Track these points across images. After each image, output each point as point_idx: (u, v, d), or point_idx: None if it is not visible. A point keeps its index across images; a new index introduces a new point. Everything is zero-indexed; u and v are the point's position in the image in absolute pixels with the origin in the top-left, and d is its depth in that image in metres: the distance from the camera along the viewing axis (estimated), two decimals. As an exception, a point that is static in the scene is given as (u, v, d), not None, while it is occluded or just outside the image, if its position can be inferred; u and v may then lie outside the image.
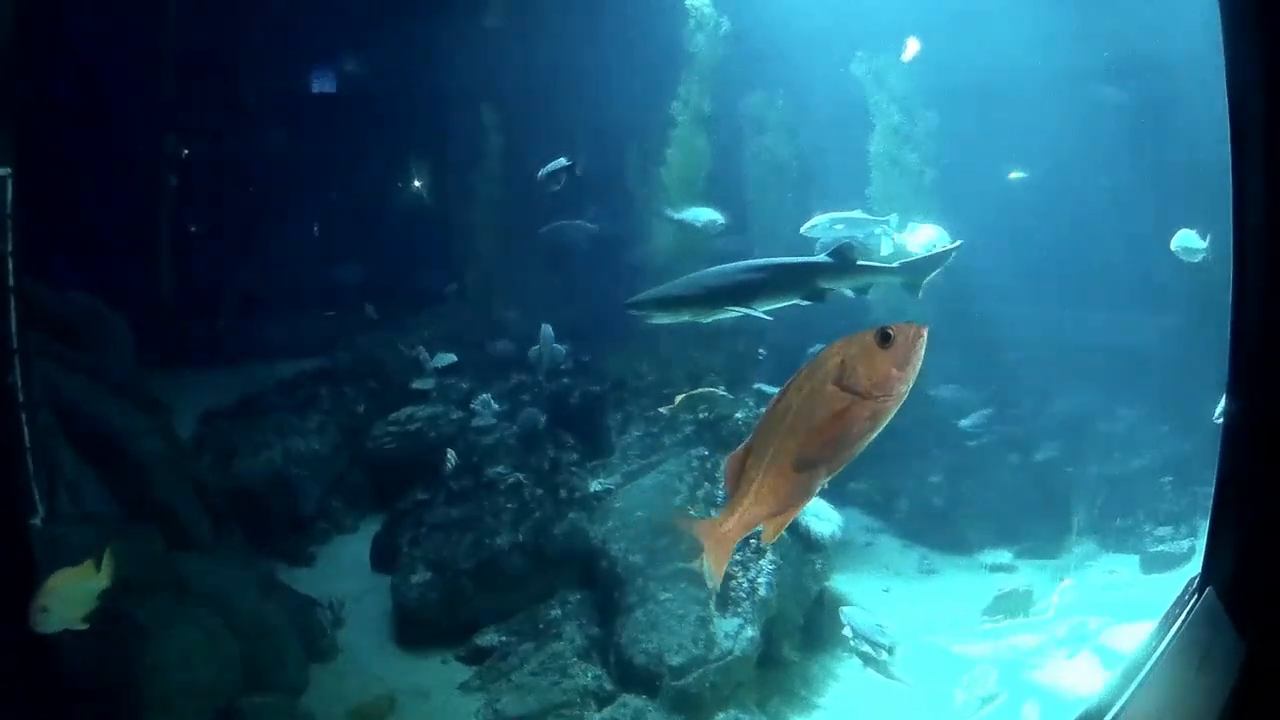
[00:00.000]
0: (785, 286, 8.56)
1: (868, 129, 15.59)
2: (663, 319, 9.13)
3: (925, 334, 3.21)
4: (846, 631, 10.69)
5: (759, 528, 3.61)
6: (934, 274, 9.01)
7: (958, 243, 11.06)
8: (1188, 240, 12.64)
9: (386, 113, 21.54)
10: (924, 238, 12.71)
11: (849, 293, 8.84)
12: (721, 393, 12.21)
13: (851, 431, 3.28)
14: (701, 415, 12.34)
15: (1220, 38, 3.48)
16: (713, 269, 8.83)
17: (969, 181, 16.24)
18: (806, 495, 3.49)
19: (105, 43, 17.59)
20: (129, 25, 18.24)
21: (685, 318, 8.92)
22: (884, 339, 3.20)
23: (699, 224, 13.08)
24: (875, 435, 3.35)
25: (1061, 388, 16.47)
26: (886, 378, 3.19)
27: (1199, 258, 12.57)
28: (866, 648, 10.52)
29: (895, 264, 9.00)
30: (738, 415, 12.24)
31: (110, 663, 7.64)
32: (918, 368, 3.22)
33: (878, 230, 13.25)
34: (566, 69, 19.53)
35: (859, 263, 8.56)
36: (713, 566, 3.63)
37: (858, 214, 12.92)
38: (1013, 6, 17.36)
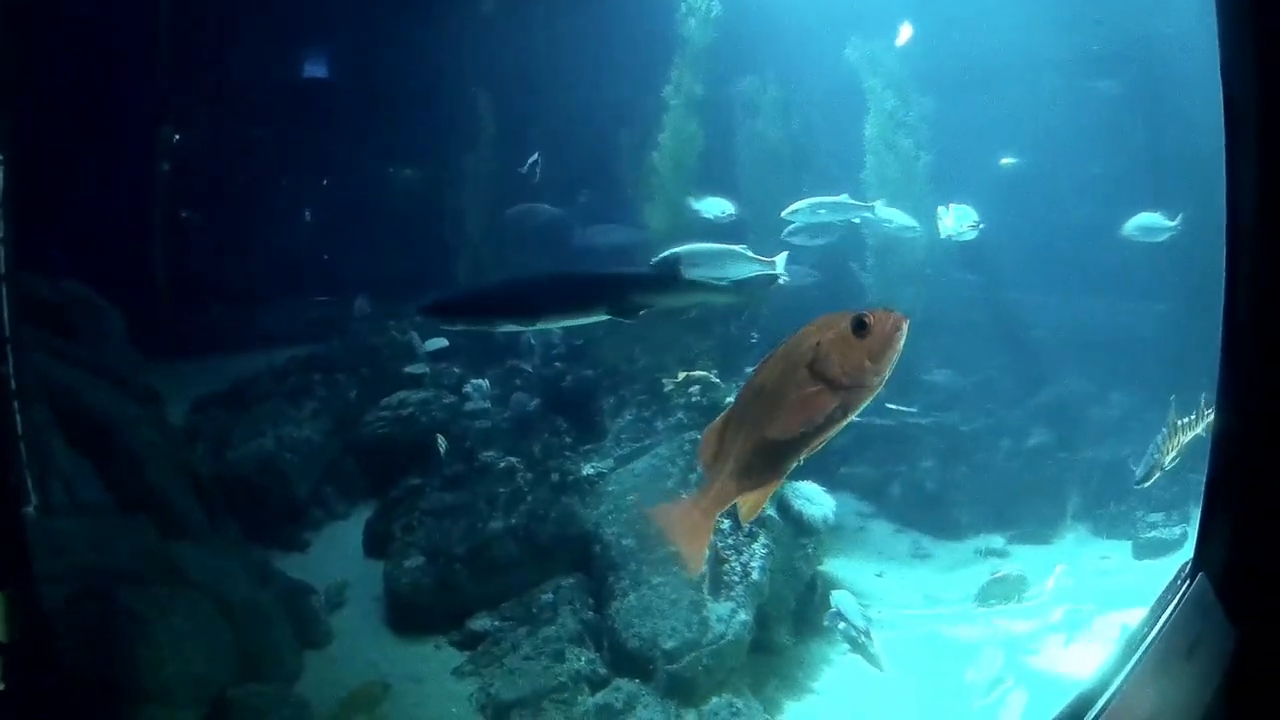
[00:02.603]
0: (591, 300, 8.20)
1: (862, 113, 15.59)
2: (455, 326, 8.97)
3: (905, 326, 3.20)
4: (829, 620, 10.70)
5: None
6: (763, 293, 8.66)
7: (779, 257, 11.11)
8: (1145, 221, 12.79)
9: (380, 99, 21.51)
10: (953, 218, 12.81)
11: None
12: (714, 379, 12.24)
13: (822, 417, 3.27)
14: (694, 399, 12.35)
15: (1215, 23, 3.48)
16: (516, 277, 8.53)
17: (962, 167, 16.26)
18: (781, 472, 3.49)
19: (99, 29, 17.56)
20: (123, 11, 18.21)
21: (475, 327, 8.68)
22: (859, 327, 3.19)
23: (710, 216, 13.07)
24: (848, 422, 3.35)
25: (1054, 373, 16.49)
26: (859, 368, 3.20)
27: (1164, 236, 12.69)
28: (851, 631, 10.54)
29: (723, 283, 8.57)
30: (729, 400, 12.24)
31: (105, 652, 7.64)
32: (894, 360, 3.22)
33: (907, 219, 13.36)
34: (560, 54, 19.58)
35: (684, 279, 8.25)
36: (694, 547, 3.64)
37: (844, 199, 12.91)
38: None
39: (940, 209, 13.01)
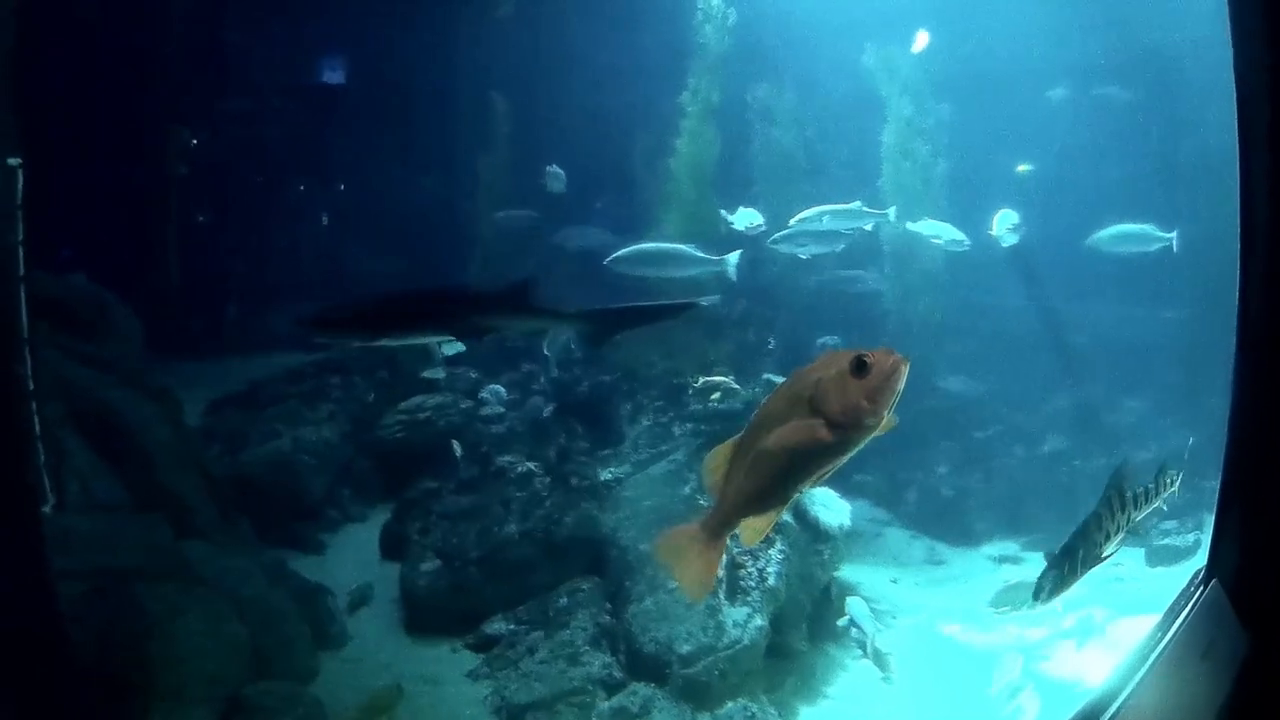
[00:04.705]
0: (431, 321, 7.71)
1: (878, 120, 15.62)
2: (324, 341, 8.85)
3: (904, 368, 3.22)
4: (843, 621, 10.72)
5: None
6: (623, 331, 8.29)
7: (730, 256, 11.14)
8: (1121, 231, 12.91)
9: (396, 102, 21.55)
10: (998, 223, 12.99)
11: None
12: (734, 384, 12.26)
13: (821, 453, 3.32)
14: (714, 404, 12.35)
15: (1228, 31, 3.51)
16: (365, 295, 8.20)
17: (977, 173, 16.28)
18: (782, 501, 3.54)
19: (115, 29, 17.61)
20: (138, 12, 18.26)
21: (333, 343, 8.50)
22: (859, 367, 3.22)
23: (741, 227, 13.10)
24: (848, 458, 3.39)
25: (1069, 379, 16.48)
26: (855, 408, 3.22)
27: (1155, 246, 12.73)
28: (862, 637, 10.55)
29: (575, 310, 8.17)
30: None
31: (119, 651, 7.67)
32: (892, 401, 3.24)
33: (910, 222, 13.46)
34: (576, 59, 19.58)
35: (534, 305, 7.54)
36: (702, 570, 3.68)
37: (857, 205, 12.92)
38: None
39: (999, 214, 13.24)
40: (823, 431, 3.25)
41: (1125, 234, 13.55)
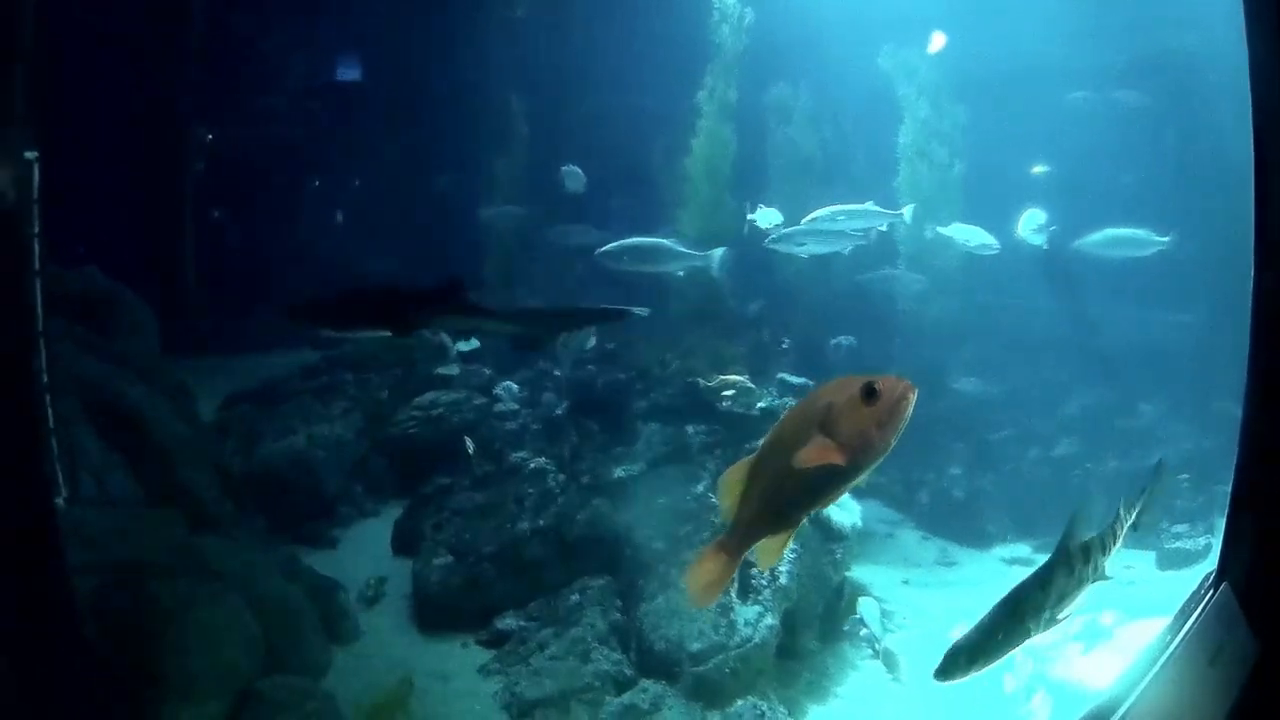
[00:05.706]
0: (359, 317, 7.41)
1: (895, 121, 15.62)
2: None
3: (913, 395, 3.26)
4: (853, 620, 10.73)
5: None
6: (567, 334, 8.16)
7: (715, 252, 11.16)
8: (1113, 234, 12.92)
9: (413, 101, 21.56)
10: (1024, 223, 13.04)
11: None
12: (749, 384, 12.27)
13: (831, 476, 3.36)
14: (726, 405, 12.35)
15: (1244, 35, 3.51)
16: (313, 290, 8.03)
17: (994, 175, 16.27)
18: (795, 522, 3.61)
19: (132, 28, 17.64)
20: (156, 10, 18.30)
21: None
22: (869, 394, 3.26)
23: (764, 227, 13.12)
24: (859, 480, 3.43)
25: (1082, 383, 16.46)
26: (864, 434, 3.29)
27: (1148, 251, 12.75)
28: (872, 638, 10.56)
29: (506, 310, 7.94)
30: (759, 406, 12.24)
31: (132, 644, 7.69)
32: (900, 427, 3.30)
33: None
34: (593, 59, 19.59)
35: (465, 303, 7.31)
36: (716, 586, 3.72)
37: (870, 206, 12.92)
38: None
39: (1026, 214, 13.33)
40: (835, 455, 3.28)
41: (1115, 239, 13.56)
